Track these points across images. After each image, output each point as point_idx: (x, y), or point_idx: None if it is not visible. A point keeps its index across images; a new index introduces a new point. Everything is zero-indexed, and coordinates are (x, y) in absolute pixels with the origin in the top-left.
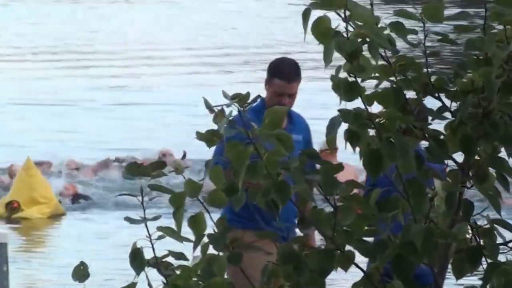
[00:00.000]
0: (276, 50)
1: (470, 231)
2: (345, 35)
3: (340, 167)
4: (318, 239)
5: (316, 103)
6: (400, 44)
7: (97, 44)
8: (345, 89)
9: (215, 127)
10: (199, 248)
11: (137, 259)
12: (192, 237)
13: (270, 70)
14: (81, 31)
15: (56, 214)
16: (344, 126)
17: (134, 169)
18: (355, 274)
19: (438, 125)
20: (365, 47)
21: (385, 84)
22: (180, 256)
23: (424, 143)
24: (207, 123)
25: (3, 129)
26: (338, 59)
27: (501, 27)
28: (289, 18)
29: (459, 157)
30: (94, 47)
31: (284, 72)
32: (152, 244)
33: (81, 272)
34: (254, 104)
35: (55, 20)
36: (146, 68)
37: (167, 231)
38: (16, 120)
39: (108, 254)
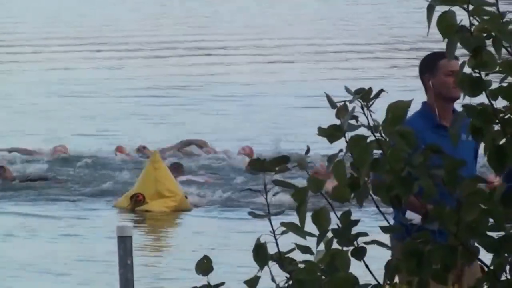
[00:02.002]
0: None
1: None
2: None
3: (463, 162)
4: None
5: None
6: None
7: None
8: (469, 85)
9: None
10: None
11: (260, 254)
12: (316, 233)
13: (430, 59)
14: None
15: (181, 208)
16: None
17: (257, 164)
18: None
19: None
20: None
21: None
22: (306, 250)
23: None
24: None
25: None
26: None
27: None
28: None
29: None
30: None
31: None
32: (276, 239)
33: (204, 266)
34: (420, 110)
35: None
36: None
37: (290, 227)
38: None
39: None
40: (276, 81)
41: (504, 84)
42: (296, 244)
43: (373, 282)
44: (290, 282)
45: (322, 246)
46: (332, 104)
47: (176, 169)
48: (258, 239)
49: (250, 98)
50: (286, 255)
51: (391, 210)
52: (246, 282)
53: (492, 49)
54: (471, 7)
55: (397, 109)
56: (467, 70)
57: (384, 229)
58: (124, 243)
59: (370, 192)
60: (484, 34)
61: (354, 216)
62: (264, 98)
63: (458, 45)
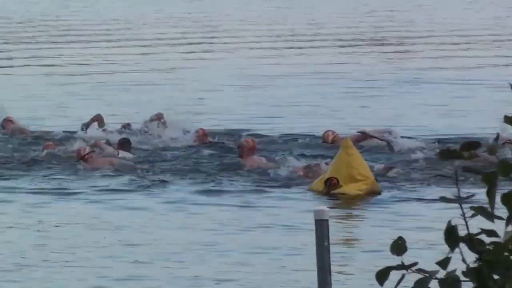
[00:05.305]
0: None
1: None
2: None
3: None
4: None
5: None
6: None
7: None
8: None
9: None
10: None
11: (451, 236)
12: (504, 215)
13: None
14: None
15: (372, 192)
16: None
17: (447, 153)
18: None
19: None
20: None
21: None
22: (491, 233)
23: None
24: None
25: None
26: None
27: None
28: None
29: None
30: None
31: None
32: (466, 222)
33: (399, 246)
34: None
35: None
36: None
37: (479, 210)
38: None
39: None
40: (453, 68)
41: None
42: (482, 229)
43: None
44: (480, 263)
45: (510, 227)
46: None
47: (122, 145)
48: (449, 222)
49: (427, 84)
50: (476, 237)
51: None
52: (438, 263)
53: None
54: None
55: None
56: None
57: None
58: (321, 226)
59: None
60: None
61: None
62: (443, 85)
63: None
